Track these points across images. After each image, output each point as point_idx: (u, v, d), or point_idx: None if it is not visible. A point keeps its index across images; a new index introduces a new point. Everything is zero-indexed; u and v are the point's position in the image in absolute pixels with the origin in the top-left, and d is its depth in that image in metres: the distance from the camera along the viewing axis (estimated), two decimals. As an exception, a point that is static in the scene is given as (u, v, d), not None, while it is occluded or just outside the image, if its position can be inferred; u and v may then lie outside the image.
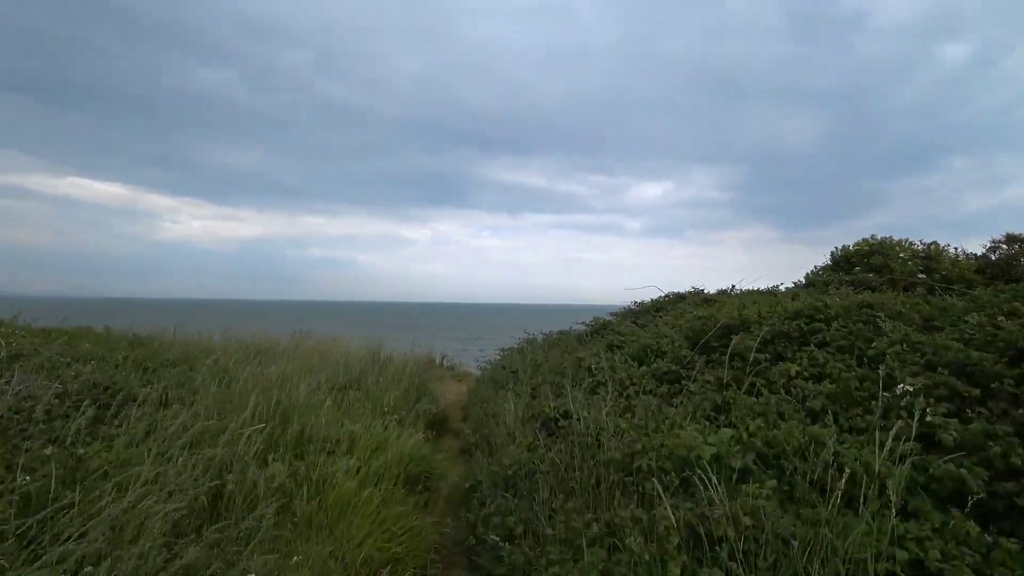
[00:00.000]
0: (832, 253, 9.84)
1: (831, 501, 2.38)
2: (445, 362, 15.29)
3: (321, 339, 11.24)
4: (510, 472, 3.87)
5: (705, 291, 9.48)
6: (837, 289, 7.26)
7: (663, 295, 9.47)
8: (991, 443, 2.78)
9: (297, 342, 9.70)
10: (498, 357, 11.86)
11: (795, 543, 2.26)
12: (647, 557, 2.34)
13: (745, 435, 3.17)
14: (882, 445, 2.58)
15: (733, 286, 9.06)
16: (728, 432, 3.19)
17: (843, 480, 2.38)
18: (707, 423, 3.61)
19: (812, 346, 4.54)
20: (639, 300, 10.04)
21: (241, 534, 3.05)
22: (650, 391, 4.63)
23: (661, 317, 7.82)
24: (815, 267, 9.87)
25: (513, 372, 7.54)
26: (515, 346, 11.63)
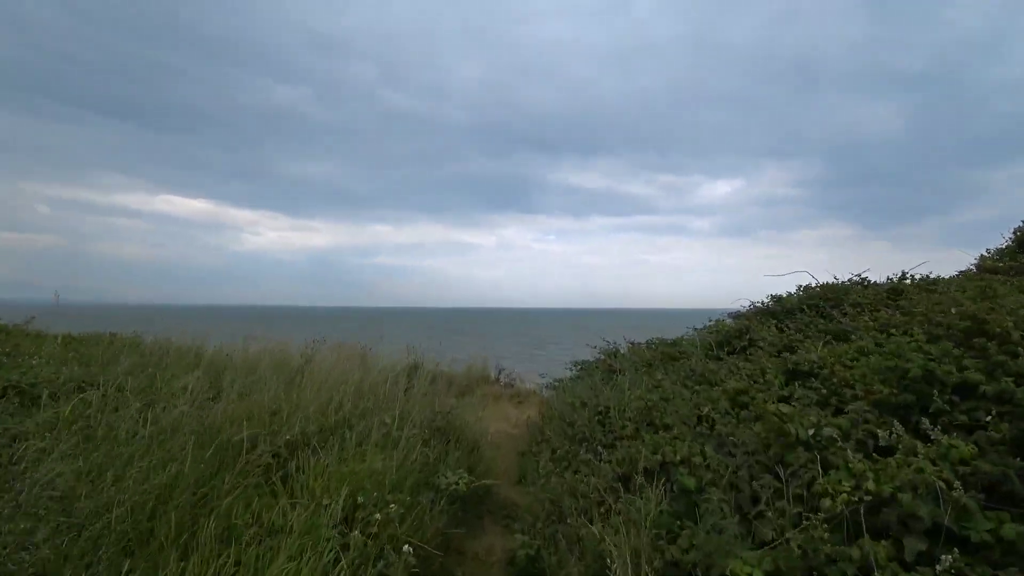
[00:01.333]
0: (1017, 231, 7.12)
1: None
2: (503, 377, 12.20)
3: (350, 350, 8.85)
4: None
5: (870, 281, 6.38)
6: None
7: (817, 285, 6.24)
8: None
9: (309, 356, 6.96)
10: (569, 373, 9.16)
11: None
12: None
13: None
14: None
15: (864, 276, 6.43)
16: None
17: None
18: None
19: None
20: (775, 294, 6.69)
21: None
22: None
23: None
24: (988, 250, 7.21)
25: (600, 413, 4.58)
26: (593, 359, 8.81)
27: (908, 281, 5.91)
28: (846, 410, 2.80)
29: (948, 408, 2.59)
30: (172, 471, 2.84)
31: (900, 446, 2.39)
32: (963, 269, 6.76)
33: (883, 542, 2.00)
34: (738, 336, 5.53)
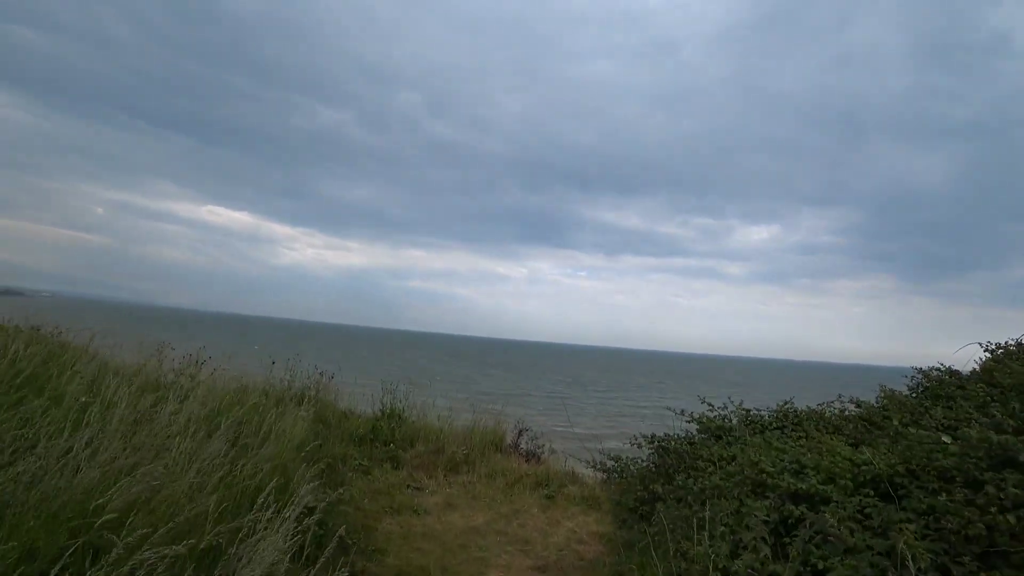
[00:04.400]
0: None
1: None
2: (524, 441, 8.01)
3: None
4: None
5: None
6: None
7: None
8: None
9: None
10: (641, 450, 6.24)
11: None
12: None
13: None
14: None
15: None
16: None
17: None
18: None
19: None
20: (946, 365, 5.38)
21: None
22: None
23: None
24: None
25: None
26: (678, 435, 6.00)
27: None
28: None
29: None
30: None
31: None
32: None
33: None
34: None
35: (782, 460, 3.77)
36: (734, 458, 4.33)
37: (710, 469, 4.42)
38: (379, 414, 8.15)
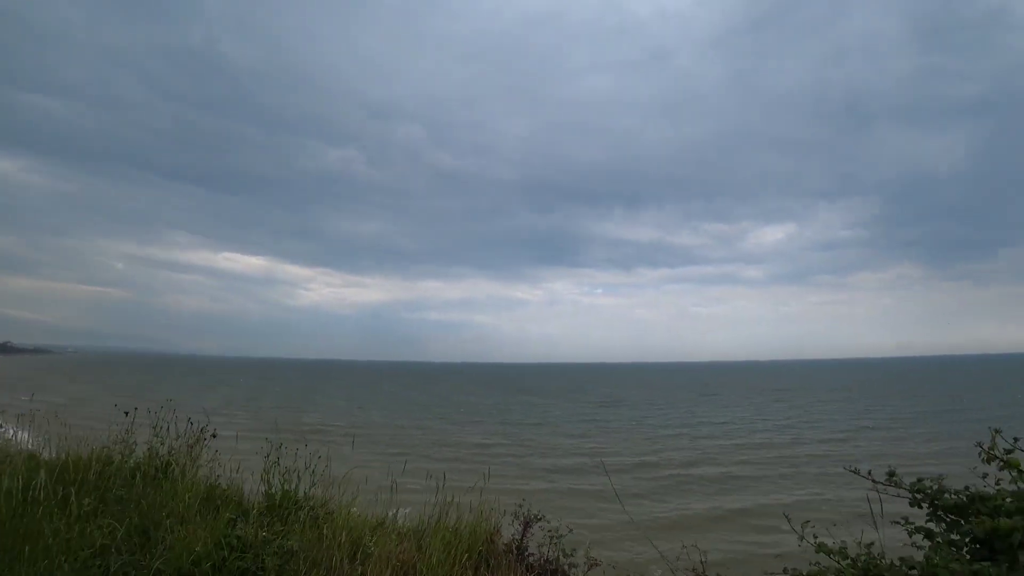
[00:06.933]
0: None
1: None
2: (535, 540, 4.59)
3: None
4: None
5: None
6: None
7: None
8: None
9: None
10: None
11: None
12: None
13: None
14: None
15: None
16: None
17: None
18: None
19: None
20: None
21: None
22: None
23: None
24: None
25: None
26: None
27: None
28: None
29: None
30: None
31: None
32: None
33: None
34: None
35: None
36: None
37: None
38: (259, 502, 4.61)
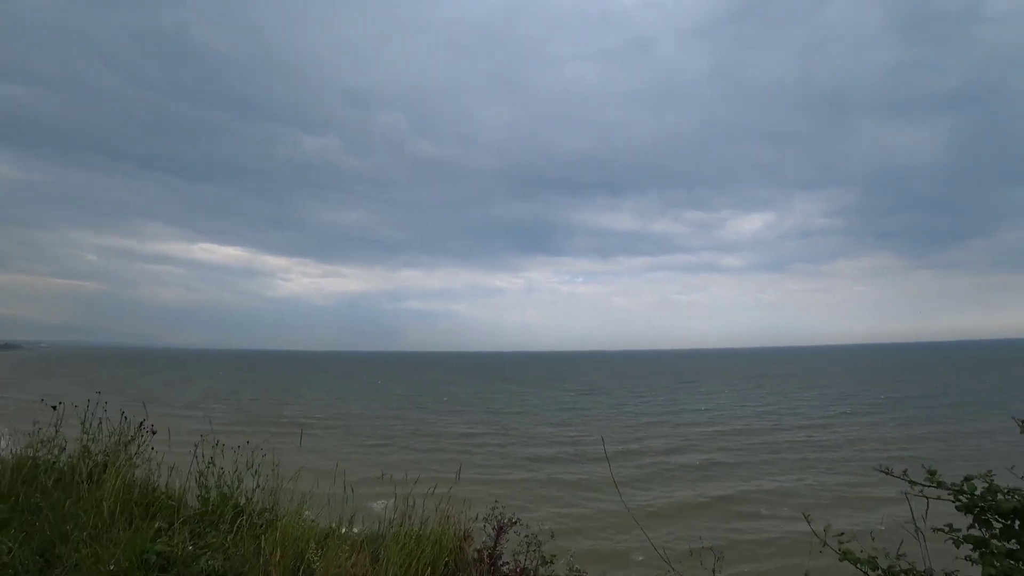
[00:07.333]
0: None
1: None
2: (508, 547, 3.87)
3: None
4: None
5: None
6: None
7: None
8: None
9: None
10: None
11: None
12: None
13: None
14: None
15: None
16: None
17: None
18: None
19: None
20: None
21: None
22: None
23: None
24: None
25: None
26: None
27: None
28: None
29: None
30: None
31: None
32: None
33: None
34: None
35: None
36: None
37: None
38: (197, 509, 3.98)
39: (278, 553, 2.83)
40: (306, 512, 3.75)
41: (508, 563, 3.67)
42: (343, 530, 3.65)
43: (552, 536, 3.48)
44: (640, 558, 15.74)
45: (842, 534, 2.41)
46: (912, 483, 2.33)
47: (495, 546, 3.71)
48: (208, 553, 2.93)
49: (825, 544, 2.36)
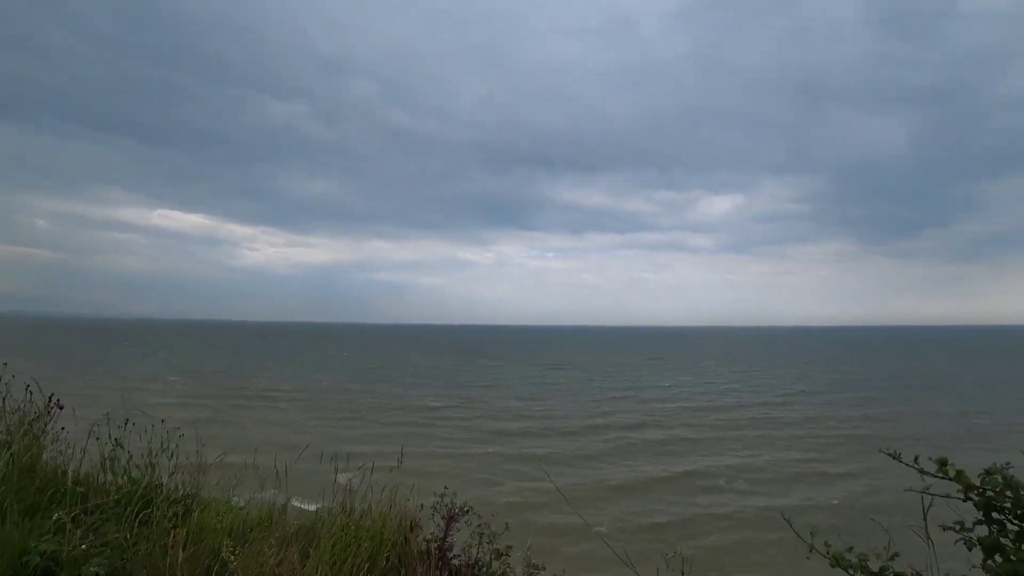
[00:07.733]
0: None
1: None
2: (458, 537, 3.47)
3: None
4: None
5: None
6: None
7: None
8: None
9: None
10: None
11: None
12: None
13: None
14: None
15: None
16: None
17: None
18: None
19: None
20: None
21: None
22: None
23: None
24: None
25: None
26: None
27: None
28: None
29: None
30: None
31: None
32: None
33: None
34: None
35: None
36: None
37: None
38: (103, 498, 3.31)
39: (183, 554, 2.37)
40: (235, 499, 3.32)
41: (458, 556, 3.27)
42: (277, 518, 3.23)
43: (507, 528, 3.15)
44: (602, 528, 15.94)
45: (819, 529, 2.12)
46: (922, 472, 2.03)
47: (444, 537, 3.31)
48: (107, 551, 2.48)
49: (812, 549, 2.10)
